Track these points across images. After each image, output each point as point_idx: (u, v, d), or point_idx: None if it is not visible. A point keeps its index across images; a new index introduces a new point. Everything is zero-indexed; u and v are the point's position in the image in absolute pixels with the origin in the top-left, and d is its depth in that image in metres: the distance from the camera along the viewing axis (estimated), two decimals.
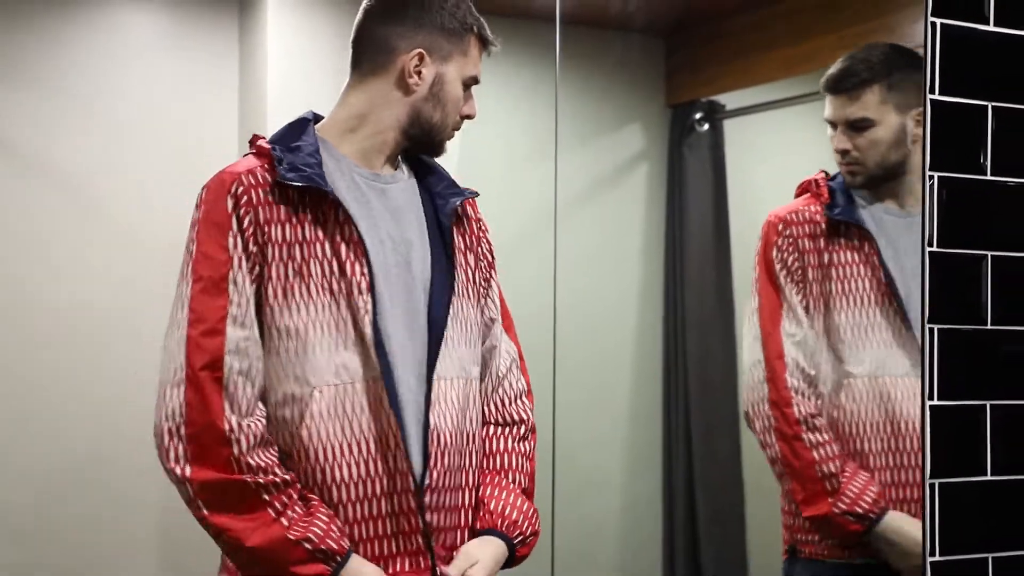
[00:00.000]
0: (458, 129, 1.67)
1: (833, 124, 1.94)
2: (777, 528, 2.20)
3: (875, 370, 1.91)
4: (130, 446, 2.89)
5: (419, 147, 1.65)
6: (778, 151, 1.96)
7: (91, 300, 2.86)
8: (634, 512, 2.77)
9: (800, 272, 1.97)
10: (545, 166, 2.44)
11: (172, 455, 1.45)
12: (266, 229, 1.49)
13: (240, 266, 1.48)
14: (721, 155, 2.61)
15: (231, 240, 1.48)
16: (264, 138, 1.57)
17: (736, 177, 2.59)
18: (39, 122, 2.85)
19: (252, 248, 1.49)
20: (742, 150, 2.58)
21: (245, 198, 1.49)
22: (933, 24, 1.63)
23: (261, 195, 1.50)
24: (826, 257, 1.96)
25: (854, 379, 1.92)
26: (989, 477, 1.65)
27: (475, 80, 1.65)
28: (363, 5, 1.66)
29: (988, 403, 1.66)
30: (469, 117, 1.66)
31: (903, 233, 1.92)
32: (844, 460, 1.90)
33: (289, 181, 1.50)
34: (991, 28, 1.67)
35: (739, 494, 2.44)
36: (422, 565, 1.53)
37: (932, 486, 1.62)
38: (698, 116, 2.64)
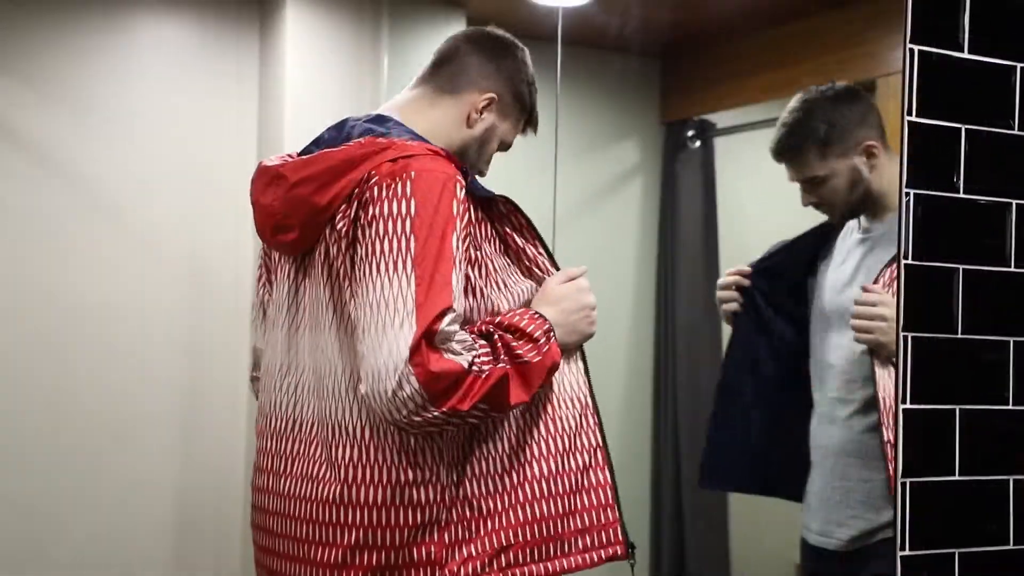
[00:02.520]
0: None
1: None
2: (758, 525, 2.27)
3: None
4: (144, 443, 2.93)
5: None
6: (766, 168, 2.02)
7: (108, 302, 2.86)
8: (623, 511, 2.81)
9: None
10: (545, 178, 2.46)
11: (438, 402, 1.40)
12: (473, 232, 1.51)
13: (461, 267, 1.46)
14: (712, 171, 2.65)
15: (455, 240, 1.44)
16: (427, 140, 1.55)
17: (725, 192, 2.62)
18: (63, 130, 2.85)
19: (468, 249, 1.48)
20: (732, 166, 2.61)
21: (464, 195, 1.48)
22: (911, 50, 1.66)
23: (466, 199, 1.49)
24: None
25: None
26: (957, 477, 1.69)
27: (507, 147, 1.72)
28: (465, 32, 1.72)
29: (957, 407, 1.69)
30: (481, 174, 1.70)
31: (858, 246, 1.96)
32: None
33: (486, 195, 1.53)
34: (966, 55, 1.70)
35: (723, 494, 2.47)
36: None
37: (903, 485, 1.65)
38: (690, 133, 2.68)
